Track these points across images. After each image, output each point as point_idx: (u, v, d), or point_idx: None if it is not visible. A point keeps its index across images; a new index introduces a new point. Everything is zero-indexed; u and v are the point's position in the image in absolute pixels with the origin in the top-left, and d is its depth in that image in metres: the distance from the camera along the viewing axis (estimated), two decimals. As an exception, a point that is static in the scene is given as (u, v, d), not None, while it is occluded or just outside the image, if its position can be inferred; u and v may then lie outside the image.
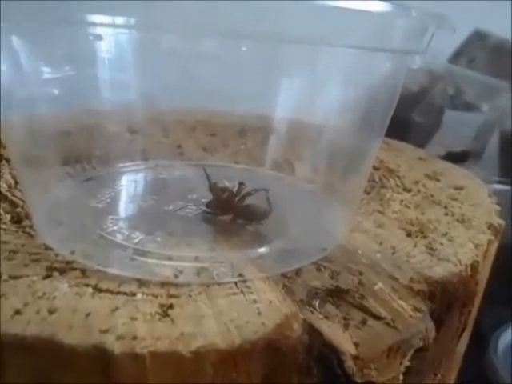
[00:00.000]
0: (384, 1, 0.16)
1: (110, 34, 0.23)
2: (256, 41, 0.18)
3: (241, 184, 0.24)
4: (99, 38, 0.23)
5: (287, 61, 0.24)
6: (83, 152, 0.30)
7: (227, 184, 0.25)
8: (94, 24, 0.18)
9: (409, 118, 0.63)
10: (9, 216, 0.23)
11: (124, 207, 0.25)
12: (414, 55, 0.18)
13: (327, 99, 0.25)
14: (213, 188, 0.23)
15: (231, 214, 0.23)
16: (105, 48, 0.25)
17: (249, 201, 0.24)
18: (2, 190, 0.25)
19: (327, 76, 0.23)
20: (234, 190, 0.24)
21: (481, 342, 0.39)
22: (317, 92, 0.25)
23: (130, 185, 0.28)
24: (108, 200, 0.25)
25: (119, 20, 0.18)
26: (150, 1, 0.17)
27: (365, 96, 0.22)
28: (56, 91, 0.24)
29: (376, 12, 0.17)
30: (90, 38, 0.23)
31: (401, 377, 0.17)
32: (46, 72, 0.23)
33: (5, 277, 0.18)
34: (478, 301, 0.24)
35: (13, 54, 0.21)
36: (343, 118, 0.24)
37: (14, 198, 0.25)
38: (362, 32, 0.18)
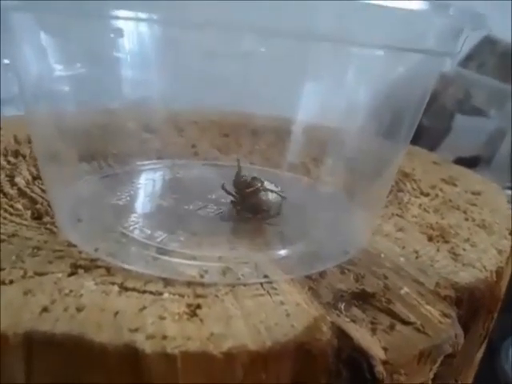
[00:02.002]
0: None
1: (130, 32, 0.23)
2: (286, 38, 0.18)
3: (254, 178, 0.24)
4: (120, 34, 0.23)
5: (309, 61, 0.24)
6: (99, 149, 0.29)
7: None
8: (118, 17, 0.18)
9: (419, 122, 0.63)
10: (29, 212, 0.23)
11: (144, 205, 0.25)
12: (446, 58, 0.18)
13: (349, 102, 0.24)
14: (236, 179, 0.23)
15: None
16: (124, 46, 0.25)
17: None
18: (21, 186, 0.25)
19: (350, 78, 0.23)
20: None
21: (492, 349, 0.39)
22: (340, 94, 0.24)
23: (148, 183, 0.27)
24: (128, 198, 0.25)
25: (142, 16, 0.18)
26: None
27: (392, 100, 0.22)
28: (75, 88, 0.24)
29: (410, 10, 0.16)
30: (112, 35, 0.23)
31: (430, 383, 0.17)
32: (65, 69, 0.23)
33: (30, 273, 0.18)
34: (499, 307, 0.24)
35: (38, 50, 0.21)
36: (366, 121, 0.24)
37: (33, 195, 0.24)
38: (394, 31, 0.18)
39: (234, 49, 0.21)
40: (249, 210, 0.23)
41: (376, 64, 0.20)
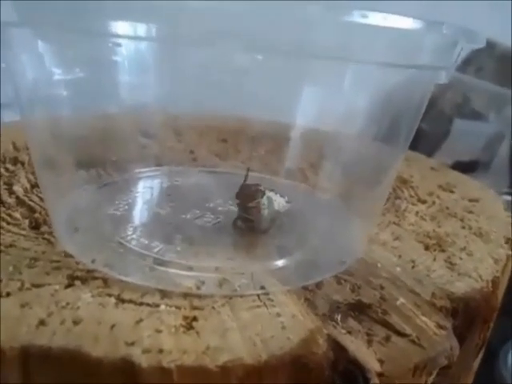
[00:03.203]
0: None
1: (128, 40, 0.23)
2: (285, 55, 0.18)
3: (257, 190, 0.24)
4: (118, 44, 0.23)
5: (308, 68, 0.24)
6: (98, 156, 0.30)
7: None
8: (116, 35, 0.18)
9: (417, 127, 0.63)
10: (27, 221, 0.23)
11: (142, 215, 0.25)
12: (442, 71, 0.18)
13: (347, 111, 0.24)
14: (239, 191, 0.23)
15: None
16: (122, 52, 0.25)
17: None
18: (19, 194, 0.25)
19: (348, 88, 0.23)
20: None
21: (490, 355, 0.39)
22: (337, 103, 0.25)
23: (146, 192, 0.28)
24: (126, 207, 0.25)
25: (140, 29, 0.18)
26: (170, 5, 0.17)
27: (389, 109, 0.22)
28: (72, 94, 0.24)
29: (406, 29, 0.16)
30: (110, 44, 0.23)
31: (425, 394, 0.17)
32: (62, 74, 0.23)
33: (27, 285, 0.18)
34: (495, 316, 0.24)
35: (35, 56, 0.21)
36: (364, 129, 0.24)
37: (31, 203, 0.24)
38: (391, 48, 0.18)
39: (233, 56, 0.21)
40: (246, 223, 0.23)
41: (374, 73, 0.21)
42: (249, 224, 0.23)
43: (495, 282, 0.21)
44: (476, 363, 0.25)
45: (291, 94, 0.27)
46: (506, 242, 0.25)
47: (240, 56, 0.19)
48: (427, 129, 0.62)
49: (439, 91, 0.64)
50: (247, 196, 0.23)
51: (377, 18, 0.15)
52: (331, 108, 0.25)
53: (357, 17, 0.14)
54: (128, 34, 0.17)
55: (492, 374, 0.39)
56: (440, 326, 0.18)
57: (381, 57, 0.17)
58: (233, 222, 0.23)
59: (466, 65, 0.69)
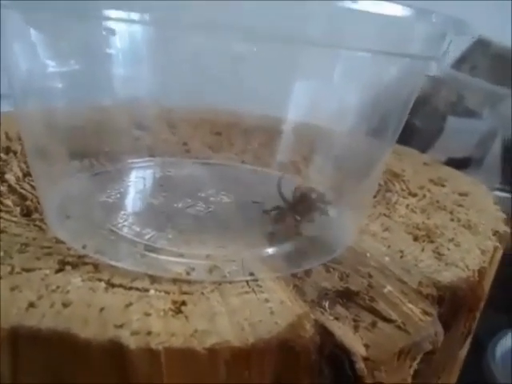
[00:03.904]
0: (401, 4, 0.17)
1: (122, 30, 0.23)
2: (275, 42, 0.18)
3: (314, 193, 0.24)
4: (112, 33, 0.23)
5: (300, 62, 0.24)
6: (90, 147, 0.30)
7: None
8: (110, 19, 0.19)
9: (411, 123, 0.63)
10: (18, 209, 0.23)
11: (134, 203, 0.25)
12: (431, 62, 0.19)
13: (338, 103, 0.25)
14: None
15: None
16: (116, 43, 0.25)
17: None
18: (11, 182, 0.25)
19: (339, 79, 0.23)
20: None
21: (479, 348, 0.39)
22: (327, 95, 0.25)
23: (138, 181, 0.28)
24: (118, 195, 0.25)
25: (134, 16, 0.18)
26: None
27: (378, 101, 0.22)
28: (66, 85, 0.24)
29: (394, 16, 0.17)
30: (104, 33, 0.23)
31: (409, 379, 0.17)
32: (56, 66, 0.23)
33: (17, 269, 0.18)
34: (481, 306, 0.24)
35: (28, 47, 0.21)
36: (354, 121, 0.24)
37: (22, 191, 0.25)
38: (379, 36, 0.18)
39: (226, 48, 0.21)
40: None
41: (363, 66, 0.21)
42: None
43: (481, 272, 0.22)
44: (462, 353, 0.25)
45: (284, 88, 0.27)
46: (494, 235, 0.25)
47: (235, 45, 0.19)
48: (421, 126, 0.62)
49: (433, 89, 0.64)
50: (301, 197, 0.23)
51: (366, 4, 0.15)
52: (322, 100, 0.25)
53: (347, 2, 0.14)
54: (124, 18, 0.17)
55: (480, 367, 0.40)
56: (426, 313, 0.18)
57: (371, 45, 0.17)
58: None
59: (460, 63, 0.69)
